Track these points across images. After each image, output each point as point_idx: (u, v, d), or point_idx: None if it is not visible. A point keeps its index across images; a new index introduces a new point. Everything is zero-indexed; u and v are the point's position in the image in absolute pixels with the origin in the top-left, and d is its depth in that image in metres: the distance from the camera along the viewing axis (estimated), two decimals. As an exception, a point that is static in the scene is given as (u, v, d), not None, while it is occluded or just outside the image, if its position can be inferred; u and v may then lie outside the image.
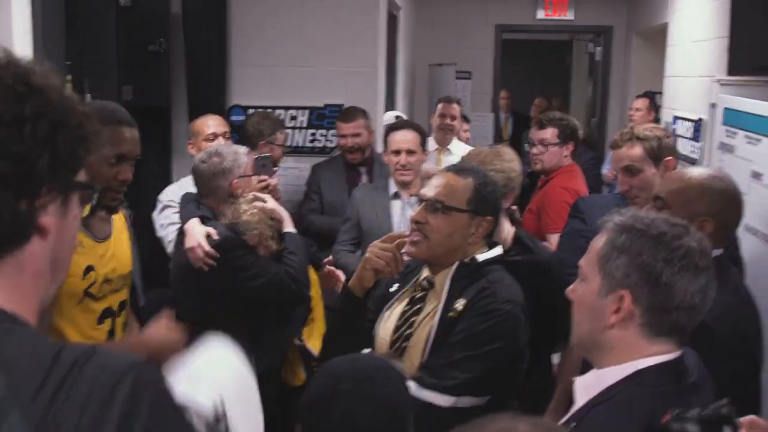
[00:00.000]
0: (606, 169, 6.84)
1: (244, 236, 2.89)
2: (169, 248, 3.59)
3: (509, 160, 3.04)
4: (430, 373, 2.17)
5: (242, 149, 3.21)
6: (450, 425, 2.15)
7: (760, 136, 3.33)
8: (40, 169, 0.92)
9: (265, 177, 3.32)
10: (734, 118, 3.72)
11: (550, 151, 4.15)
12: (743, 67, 4.35)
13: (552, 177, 4.16)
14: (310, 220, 4.45)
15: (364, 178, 4.59)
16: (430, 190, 2.32)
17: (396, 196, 3.89)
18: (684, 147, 5.34)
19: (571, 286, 1.66)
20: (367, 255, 2.35)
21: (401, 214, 3.84)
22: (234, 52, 5.16)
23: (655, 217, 1.57)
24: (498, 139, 9.48)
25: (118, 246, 2.55)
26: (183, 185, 3.73)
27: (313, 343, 3.22)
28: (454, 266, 2.29)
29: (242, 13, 5.11)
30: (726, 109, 3.82)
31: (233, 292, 2.88)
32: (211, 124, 3.95)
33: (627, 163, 2.99)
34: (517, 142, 9.83)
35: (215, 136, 3.88)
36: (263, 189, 3.35)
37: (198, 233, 2.91)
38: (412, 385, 2.18)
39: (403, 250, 2.33)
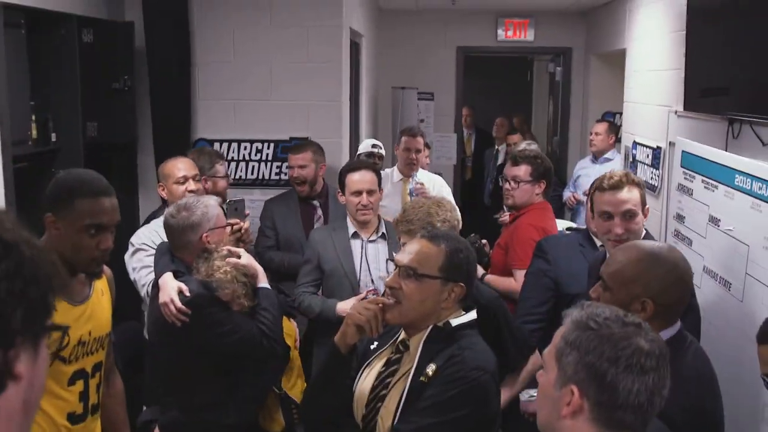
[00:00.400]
0: (570, 192, 6.95)
1: (216, 293, 2.91)
2: (142, 292, 3.61)
3: (451, 209, 3.34)
4: None
5: (212, 201, 3.19)
6: None
7: (717, 183, 3.42)
8: (14, 322, 0.95)
9: (238, 221, 3.37)
10: (692, 163, 3.81)
11: (522, 188, 4.16)
12: (698, 104, 4.44)
13: (522, 213, 4.19)
14: (269, 257, 4.46)
15: (319, 212, 4.65)
16: (404, 257, 2.36)
17: (355, 235, 3.92)
18: (644, 173, 5.45)
19: (539, 372, 1.71)
20: (349, 311, 2.39)
21: (361, 254, 3.89)
22: (198, 87, 5.18)
23: (610, 315, 1.60)
24: (461, 155, 9.58)
25: (97, 308, 2.56)
26: (153, 228, 3.73)
27: (292, 391, 3.25)
28: (428, 330, 2.34)
29: (206, 48, 5.14)
30: (683, 152, 3.91)
31: (207, 347, 2.90)
32: (181, 167, 3.92)
33: (630, 207, 2.93)
34: (480, 158, 9.96)
35: (185, 179, 3.88)
36: (236, 232, 3.40)
37: (171, 288, 2.92)
38: None
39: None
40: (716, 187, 3.42)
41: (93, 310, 2.53)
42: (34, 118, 4.22)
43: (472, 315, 2.42)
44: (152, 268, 3.22)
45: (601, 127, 7.01)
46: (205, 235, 3.08)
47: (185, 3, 5.05)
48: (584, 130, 8.78)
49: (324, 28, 5.14)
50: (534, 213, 4.19)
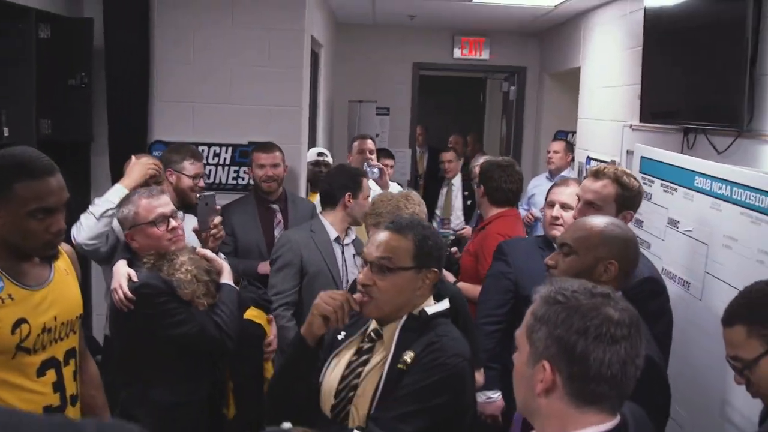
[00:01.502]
0: (524, 210, 6.99)
1: (176, 292, 2.86)
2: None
3: (418, 203, 3.39)
4: (377, 424, 2.18)
5: (140, 194, 3.09)
6: None
7: (675, 186, 3.49)
8: None
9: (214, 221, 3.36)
10: (650, 167, 3.88)
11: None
12: (654, 114, 4.56)
13: (491, 221, 4.24)
14: (233, 265, 4.36)
15: (279, 216, 4.58)
16: (373, 251, 2.34)
17: (337, 240, 3.90)
18: (597, 187, 5.53)
19: (514, 354, 1.69)
20: (316, 302, 2.35)
21: (342, 257, 3.88)
22: (157, 88, 5.09)
23: (578, 288, 1.59)
24: (414, 173, 9.62)
25: (61, 290, 2.41)
26: None
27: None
28: (403, 318, 2.32)
29: (165, 48, 5.06)
30: (642, 157, 3.99)
31: (157, 334, 2.83)
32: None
33: (591, 198, 3.07)
34: (433, 176, 9.99)
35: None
36: (213, 227, 3.38)
37: (121, 275, 2.89)
38: None
39: (352, 311, 2.35)
40: (675, 189, 3.49)
41: (57, 294, 2.39)
42: (-16, 112, 4.12)
43: (446, 304, 2.41)
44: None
45: (559, 146, 7.10)
46: (127, 233, 3.05)
47: (146, 1, 4.98)
48: (537, 148, 8.91)
49: (286, 32, 5.12)
50: (502, 221, 4.24)
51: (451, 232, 6.99)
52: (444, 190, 7.66)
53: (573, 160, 6.98)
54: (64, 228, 2.33)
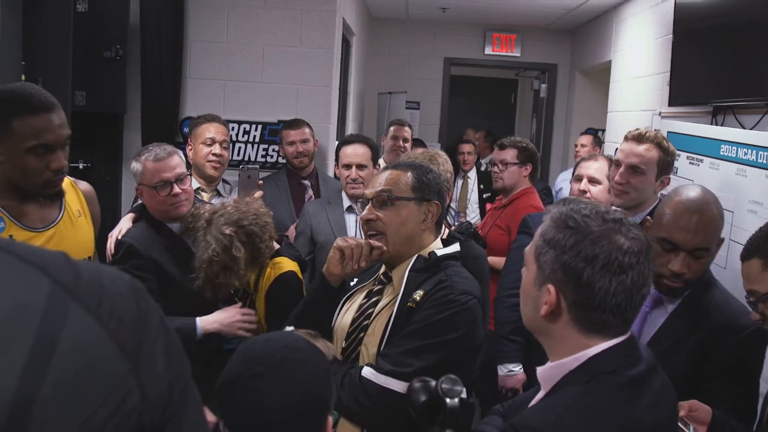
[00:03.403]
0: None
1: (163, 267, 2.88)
2: None
3: (443, 162, 3.37)
4: (387, 360, 2.20)
5: (149, 154, 3.03)
6: (406, 409, 2.19)
7: (701, 156, 3.49)
8: None
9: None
10: (676, 141, 3.87)
11: (509, 170, 4.35)
12: (682, 99, 4.55)
13: (518, 196, 4.33)
14: None
15: (310, 192, 4.60)
16: (375, 186, 2.37)
17: (350, 210, 3.91)
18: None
19: (522, 269, 1.70)
20: (338, 240, 2.38)
21: (356, 228, 3.86)
22: (190, 64, 5.18)
23: (591, 210, 1.57)
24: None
25: (69, 232, 2.40)
26: None
27: None
28: (412, 259, 2.33)
29: (199, 25, 5.15)
30: (668, 132, 3.98)
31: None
32: (213, 129, 4.00)
33: (636, 163, 2.98)
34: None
35: (213, 141, 3.94)
36: None
37: (120, 226, 3.00)
38: (369, 371, 2.22)
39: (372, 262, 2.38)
40: (701, 160, 3.49)
41: (63, 234, 2.38)
42: (23, 78, 4.21)
43: (456, 247, 2.42)
44: None
45: (587, 139, 7.11)
46: (137, 187, 3.05)
47: (182, -22, 5.07)
48: (567, 146, 8.88)
49: (318, 13, 5.18)
50: (530, 195, 4.34)
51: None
52: (459, 183, 7.67)
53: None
54: (66, 165, 2.29)
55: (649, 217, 2.46)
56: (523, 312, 1.68)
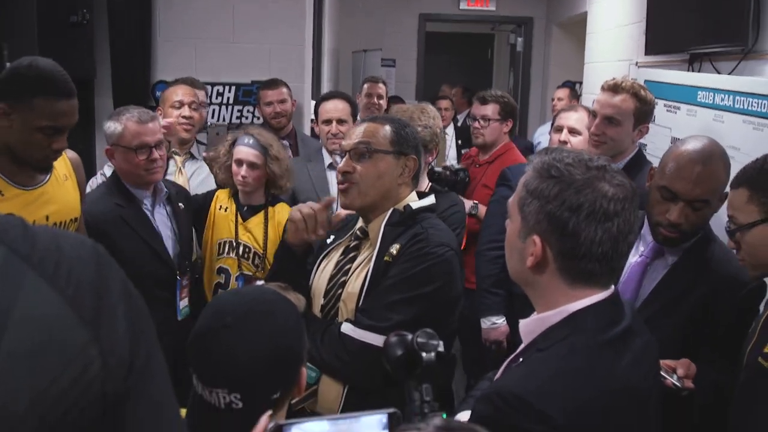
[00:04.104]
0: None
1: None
2: None
3: (433, 116, 3.35)
4: (365, 315, 2.20)
5: (130, 115, 3.02)
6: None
7: (679, 104, 3.47)
8: None
9: None
10: (653, 90, 3.84)
11: (491, 126, 4.28)
12: (659, 48, 4.52)
13: (501, 153, 4.28)
14: None
15: (289, 152, 4.55)
16: (352, 138, 2.34)
17: (331, 167, 3.88)
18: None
19: (506, 221, 1.67)
20: (291, 210, 2.37)
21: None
22: (160, 26, 5.07)
23: (574, 158, 1.54)
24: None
25: (57, 192, 2.48)
26: None
27: None
28: (388, 213, 2.31)
29: (168, -14, 5.04)
30: (645, 81, 3.96)
31: None
32: (180, 92, 3.90)
33: (611, 114, 2.96)
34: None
35: (181, 104, 3.84)
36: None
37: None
38: (348, 327, 2.21)
39: (337, 209, 2.36)
40: (678, 108, 3.48)
41: (51, 194, 2.45)
42: (-13, 45, 4.10)
43: (431, 199, 2.40)
44: None
45: (563, 92, 7.10)
46: (107, 148, 3.04)
47: (148, -64, 4.95)
48: (544, 100, 8.86)
49: (288, -31, 5.09)
50: (513, 151, 4.30)
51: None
52: (436, 139, 7.62)
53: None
54: (65, 146, 2.42)
55: (654, 166, 2.42)
56: (509, 264, 1.65)
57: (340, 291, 2.31)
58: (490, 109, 4.29)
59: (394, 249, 2.23)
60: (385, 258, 2.23)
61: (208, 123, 3.75)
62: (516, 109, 4.45)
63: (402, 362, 1.69)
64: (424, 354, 1.64)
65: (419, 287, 2.18)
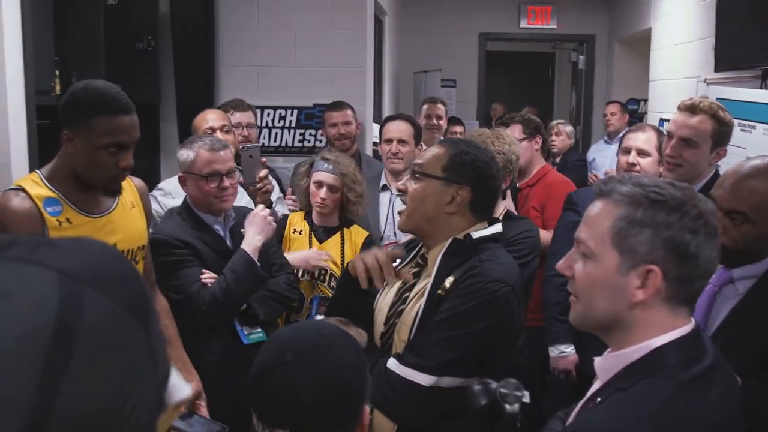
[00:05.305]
0: (590, 174, 6.88)
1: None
2: None
3: (509, 143, 3.22)
4: (412, 351, 2.11)
5: (202, 144, 3.05)
6: (431, 404, 2.11)
7: (754, 123, 3.35)
8: None
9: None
10: (727, 109, 3.75)
11: (521, 146, 4.17)
12: (730, 64, 4.40)
13: (543, 175, 4.19)
14: None
15: None
16: (416, 158, 2.31)
17: (384, 188, 3.90)
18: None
19: (564, 262, 1.58)
20: (353, 259, 2.29)
21: (389, 206, 3.84)
22: (222, 52, 5.15)
23: (660, 182, 1.48)
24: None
25: (124, 220, 2.49)
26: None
27: None
28: (447, 242, 2.21)
29: (229, 11, 5.11)
30: (718, 99, 3.83)
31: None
32: (210, 118, 3.87)
33: (688, 135, 2.81)
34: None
35: (212, 130, 3.84)
36: (259, 181, 3.39)
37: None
38: (394, 363, 2.11)
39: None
40: (754, 127, 3.36)
41: (118, 222, 2.46)
42: (57, 73, 4.20)
43: (497, 228, 2.28)
44: None
45: (615, 107, 7.31)
46: (180, 175, 3.06)
47: (210, -35, 5.03)
48: (607, 118, 8.72)
49: (348, -7, 5.12)
50: (553, 172, 4.23)
51: None
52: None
53: (633, 123, 6.87)
54: (132, 164, 2.41)
55: None
56: (591, 308, 1.53)
57: (396, 320, 2.24)
58: (516, 131, 4.18)
59: (448, 282, 2.13)
60: (438, 291, 2.14)
61: (240, 146, 3.75)
62: (541, 126, 4.34)
63: (485, 412, 1.63)
64: (507, 406, 1.58)
65: (468, 325, 2.07)
